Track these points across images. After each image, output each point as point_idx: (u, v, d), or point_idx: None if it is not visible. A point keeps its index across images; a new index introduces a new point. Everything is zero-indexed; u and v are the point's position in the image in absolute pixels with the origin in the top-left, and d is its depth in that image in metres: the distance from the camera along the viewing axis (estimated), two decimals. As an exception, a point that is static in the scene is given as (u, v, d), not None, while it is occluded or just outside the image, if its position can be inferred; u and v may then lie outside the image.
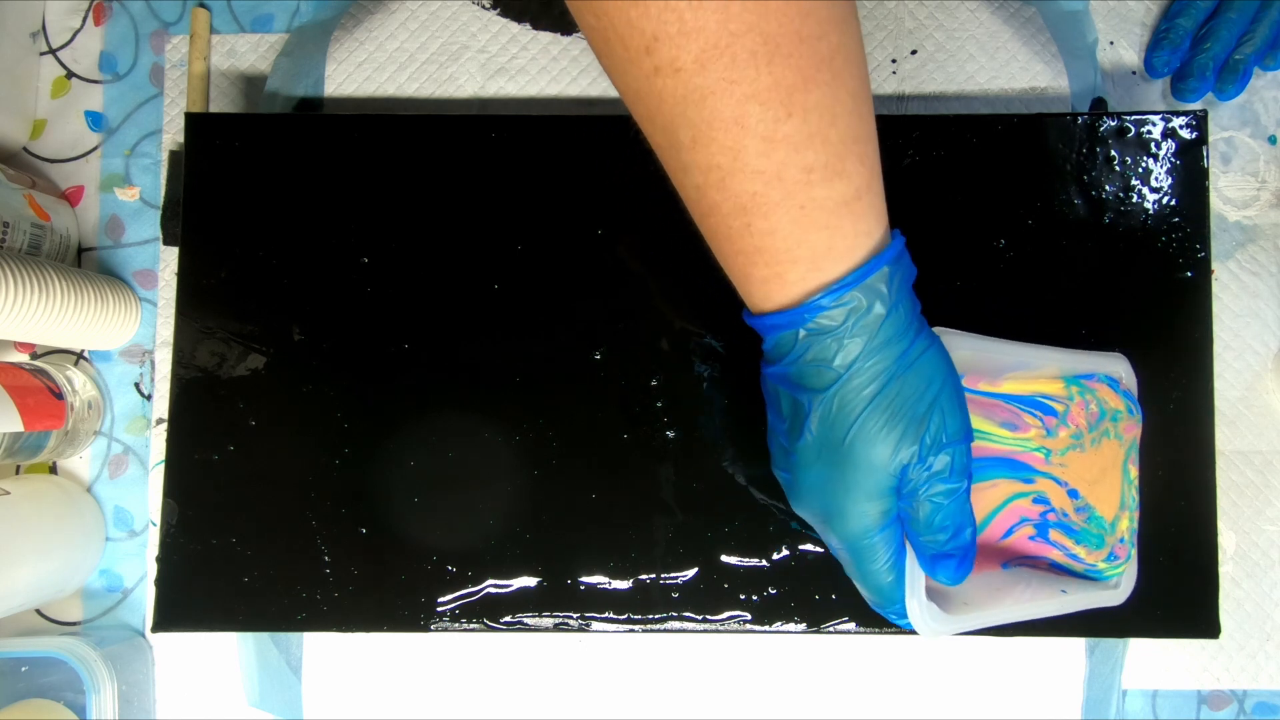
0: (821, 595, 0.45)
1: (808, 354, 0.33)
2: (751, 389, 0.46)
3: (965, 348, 0.38)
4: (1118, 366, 0.43)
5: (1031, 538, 0.42)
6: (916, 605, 0.36)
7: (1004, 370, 0.40)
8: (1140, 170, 0.47)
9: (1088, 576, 0.43)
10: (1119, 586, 0.43)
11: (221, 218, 0.47)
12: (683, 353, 0.47)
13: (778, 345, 0.34)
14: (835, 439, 0.33)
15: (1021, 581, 0.41)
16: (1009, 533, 0.41)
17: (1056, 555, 0.42)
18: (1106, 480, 0.43)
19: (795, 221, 0.31)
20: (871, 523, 0.34)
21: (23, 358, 0.51)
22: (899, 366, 0.33)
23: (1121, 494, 0.43)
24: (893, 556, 0.35)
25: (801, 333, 0.33)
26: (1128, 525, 0.43)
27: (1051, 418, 0.41)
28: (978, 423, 0.40)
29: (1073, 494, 0.42)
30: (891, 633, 0.45)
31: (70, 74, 0.52)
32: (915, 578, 0.36)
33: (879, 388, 0.33)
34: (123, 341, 0.50)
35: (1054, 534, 0.42)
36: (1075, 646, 0.49)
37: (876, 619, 0.45)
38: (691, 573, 0.46)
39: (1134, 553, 0.43)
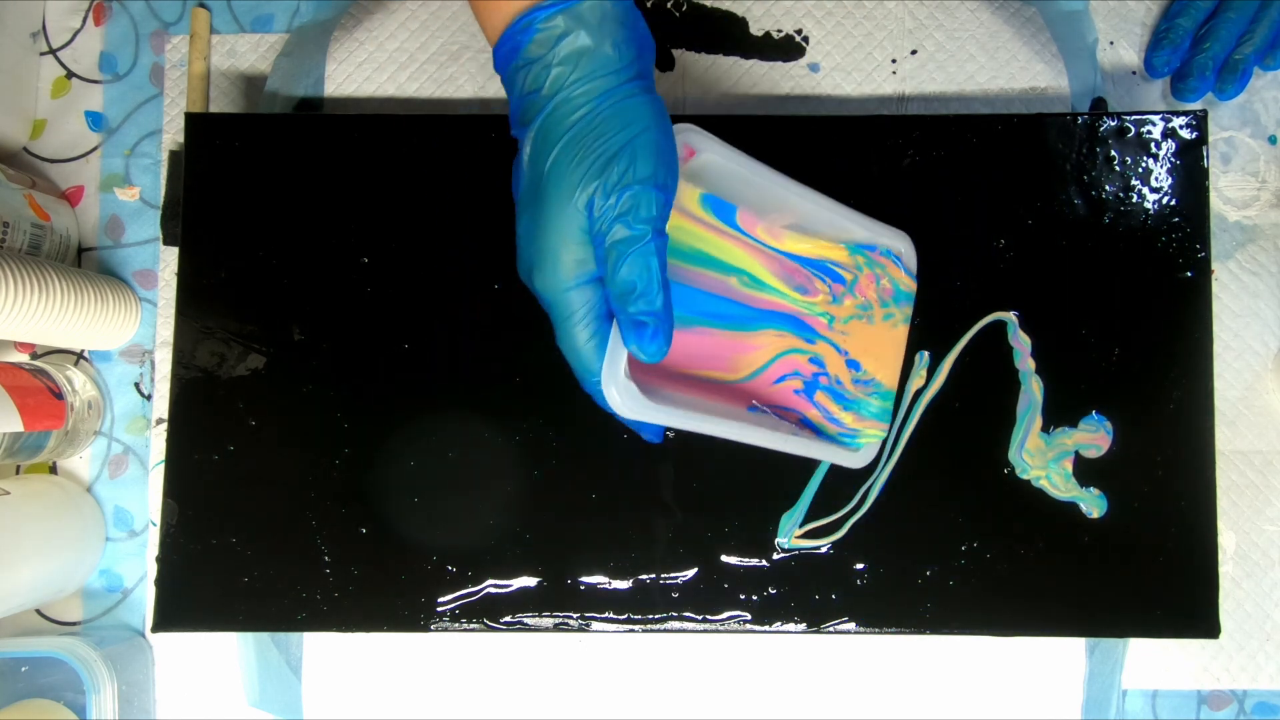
0: (821, 595, 0.45)
1: (525, 83, 0.34)
2: (751, 389, 0.46)
3: (714, 152, 0.38)
4: (899, 242, 0.43)
5: (796, 391, 0.43)
6: (610, 378, 0.35)
7: (770, 208, 0.40)
8: (1140, 170, 0.47)
9: (836, 440, 0.43)
10: (858, 453, 0.43)
11: (221, 218, 0.47)
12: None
13: (508, 81, 0.35)
14: (537, 175, 0.34)
15: (758, 419, 0.41)
16: (777, 381, 0.42)
17: (814, 414, 0.43)
18: (889, 355, 0.44)
19: None
20: (567, 273, 0.34)
21: (23, 358, 0.51)
22: (601, 102, 0.33)
23: (900, 372, 0.44)
24: (593, 320, 0.35)
25: (519, 61, 0.34)
26: (885, 405, 0.44)
27: (839, 285, 0.42)
28: (770, 279, 0.41)
29: (853, 364, 0.43)
30: (891, 632, 0.45)
31: (70, 74, 0.52)
32: (617, 352, 0.35)
33: (577, 119, 0.33)
34: (123, 341, 0.50)
35: (820, 395, 0.43)
36: (1075, 646, 0.49)
37: (876, 619, 0.45)
38: (691, 573, 0.46)
39: (888, 427, 0.44)
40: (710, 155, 0.38)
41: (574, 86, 0.33)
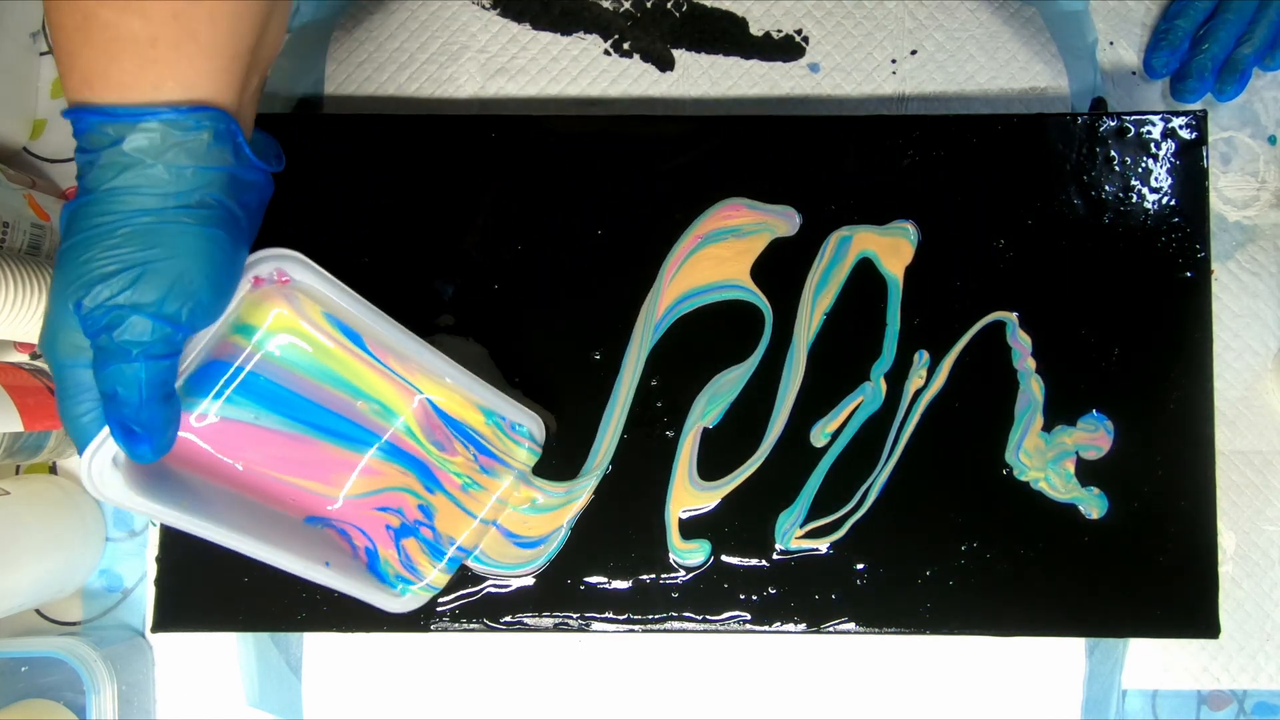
0: (821, 595, 0.45)
1: (78, 161, 0.33)
2: (753, 388, 0.46)
3: (314, 282, 0.37)
4: (525, 419, 0.43)
5: (388, 527, 0.43)
6: (90, 457, 0.34)
7: (393, 348, 0.40)
8: (1140, 170, 0.47)
9: (384, 579, 0.43)
10: (400, 598, 0.43)
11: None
12: (683, 352, 0.47)
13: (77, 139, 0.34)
14: (60, 246, 0.33)
15: (310, 537, 0.41)
16: (379, 509, 0.43)
17: (389, 554, 0.43)
18: (471, 519, 0.44)
19: (79, 30, 0.31)
20: (63, 353, 0.33)
21: (22, 358, 0.51)
22: (133, 217, 0.32)
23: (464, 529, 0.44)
24: (88, 400, 0.34)
25: (78, 140, 0.33)
26: (439, 575, 0.44)
27: (487, 458, 0.43)
28: (410, 422, 0.43)
29: (469, 520, 0.44)
30: (891, 632, 0.45)
31: (70, 74, 0.52)
32: (110, 440, 0.34)
33: (100, 223, 0.32)
34: (123, 341, 0.50)
35: (409, 542, 0.43)
36: (1075, 646, 0.49)
37: (876, 619, 0.45)
38: (691, 573, 0.46)
39: (439, 586, 0.44)
40: (310, 283, 0.37)
41: (114, 193, 0.32)
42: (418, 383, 0.42)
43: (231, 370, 0.40)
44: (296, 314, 0.39)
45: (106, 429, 0.34)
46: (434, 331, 0.47)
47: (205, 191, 0.33)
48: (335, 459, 0.43)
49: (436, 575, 0.43)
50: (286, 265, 0.37)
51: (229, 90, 0.33)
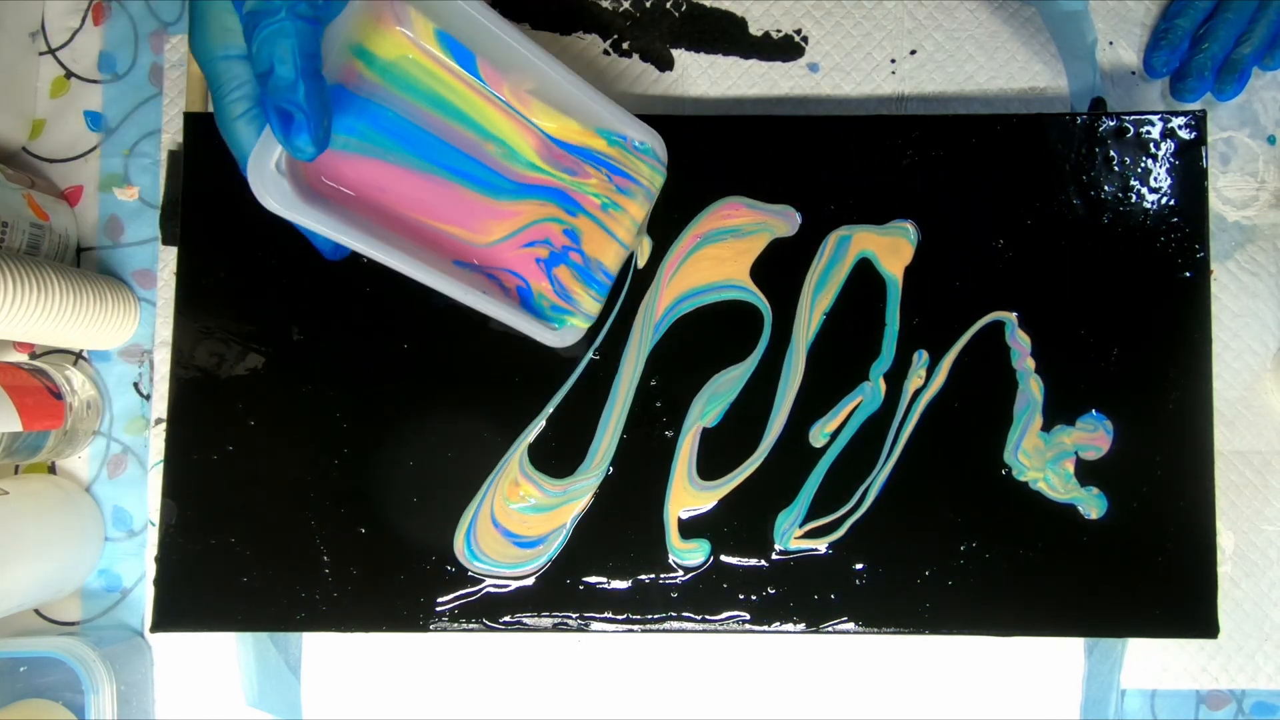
0: (820, 595, 0.45)
1: None
2: (752, 388, 0.46)
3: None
4: (647, 136, 0.43)
5: (539, 260, 0.43)
6: (257, 166, 0.34)
7: (511, 65, 0.40)
8: (1139, 170, 0.47)
9: (541, 315, 0.43)
10: (557, 331, 0.43)
11: (220, 218, 0.47)
12: (682, 352, 0.47)
13: None
14: None
15: (460, 278, 0.41)
16: (526, 245, 0.43)
17: (542, 286, 0.43)
18: (618, 246, 0.44)
19: None
20: (215, 41, 0.33)
21: (22, 357, 0.51)
22: None
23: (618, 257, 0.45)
24: (245, 99, 0.33)
25: None
26: (591, 301, 0.44)
27: (620, 177, 0.43)
28: (535, 159, 0.43)
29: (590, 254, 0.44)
30: (890, 632, 0.45)
31: (69, 74, 0.52)
32: (269, 142, 0.34)
33: None
34: (121, 341, 0.50)
35: (561, 270, 0.43)
36: (1074, 646, 0.49)
37: (876, 619, 0.45)
38: (690, 573, 0.46)
39: (594, 313, 0.45)
40: None
41: None
42: (534, 117, 0.42)
43: (362, 100, 0.39)
44: (410, 39, 0.39)
45: (266, 132, 0.34)
46: (432, 330, 0.47)
47: None
48: (474, 204, 0.42)
49: (589, 302, 0.44)
50: None
51: None
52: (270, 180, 0.35)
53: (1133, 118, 0.47)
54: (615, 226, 0.44)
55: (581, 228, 0.44)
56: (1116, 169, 0.47)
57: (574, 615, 0.46)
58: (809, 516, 0.46)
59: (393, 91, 0.40)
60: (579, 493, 0.46)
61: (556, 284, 0.43)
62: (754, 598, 0.45)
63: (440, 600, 0.45)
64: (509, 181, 0.43)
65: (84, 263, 0.51)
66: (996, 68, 0.51)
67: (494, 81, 0.41)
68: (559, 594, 0.46)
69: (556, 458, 0.46)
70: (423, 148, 0.41)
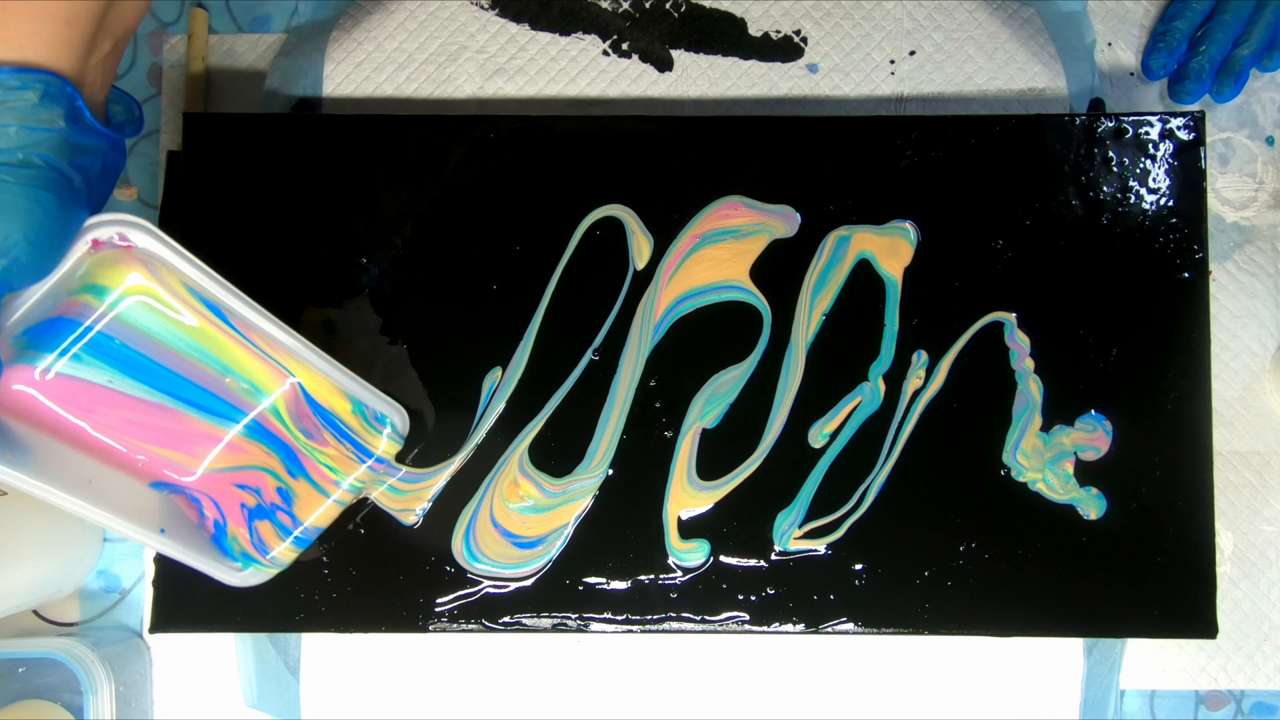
0: (820, 596, 0.45)
1: None
2: (752, 389, 0.46)
3: (160, 250, 0.37)
4: (390, 410, 0.43)
5: (243, 505, 0.43)
6: None
7: (254, 327, 0.40)
8: (1138, 171, 0.47)
9: (228, 553, 0.43)
10: (241, 572, 0.43)
11: (220, 218, 0.47)
12: (681, 352, 0.47)
13: None
14: None
15: (153, 502, 0.41)
16: (237, 486, 0.43)
17: (239, 532, 0.43)
18: (332, 504, 0.44)
19: None
20: None
21: (20, 358, 0.51)
22: None
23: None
24: None
25: None
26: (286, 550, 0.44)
27: (352, 446, 0.43)
28: (281, 408, 0.43)
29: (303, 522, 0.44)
30: (890, 633, 0.45)
31: (68, 74, 0.52)
32: None
33: None
34: (121, 342, 0.50)
35: (263, 525, 0.43)
36: (1073, 647, 0.49)
37: (875, 619, 0.45)
38: (690, 573, 0.46)
39: (287, 562, 0.44)
40: (157, 251, 0.37)
41: None
42: (288, 365, 0.42)
43: (81, 330, 0.39)
44: (155, 281, 0.38)
45: None
46: (432, 330, 0.47)
47: (31, 151, 0.33)
48: (198, 431, 0.42)
49: (284, 551, 0.43)
50: (128, 230, 0.36)
51: (65, 53, 0.33)
52: None
53: (1131, 119, 0.47)
54: (334, 491, 0.44)
55: (299, 491, 0.43)
56: (1115, 170, 0.47)
57: (573, 616, 0.46)
58: (808, 517, 0.46)
59: (123, 324, 0.39)
60: (578, 493, 0.46)
61: (255, 535, 0.43)
62: (753, 598, 0.46)
63: (439, 601, 0.45)
64: (242, 414, 0.43)
65: (83, 263, 0.51)
66: (995, 69, 0.51)
67: (248, 332, 0.40)
68: (558, 594, 0.46)
69: (556, 458, 0.46)
70: (151, 376, 0.41)
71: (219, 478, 0.43)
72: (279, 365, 0.42)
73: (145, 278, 0.38)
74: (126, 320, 0.39)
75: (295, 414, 0.43)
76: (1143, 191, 0.47)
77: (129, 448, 0.41)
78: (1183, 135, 0.47)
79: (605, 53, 0.51)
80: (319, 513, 0.44)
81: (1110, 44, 0.51)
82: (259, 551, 0.43)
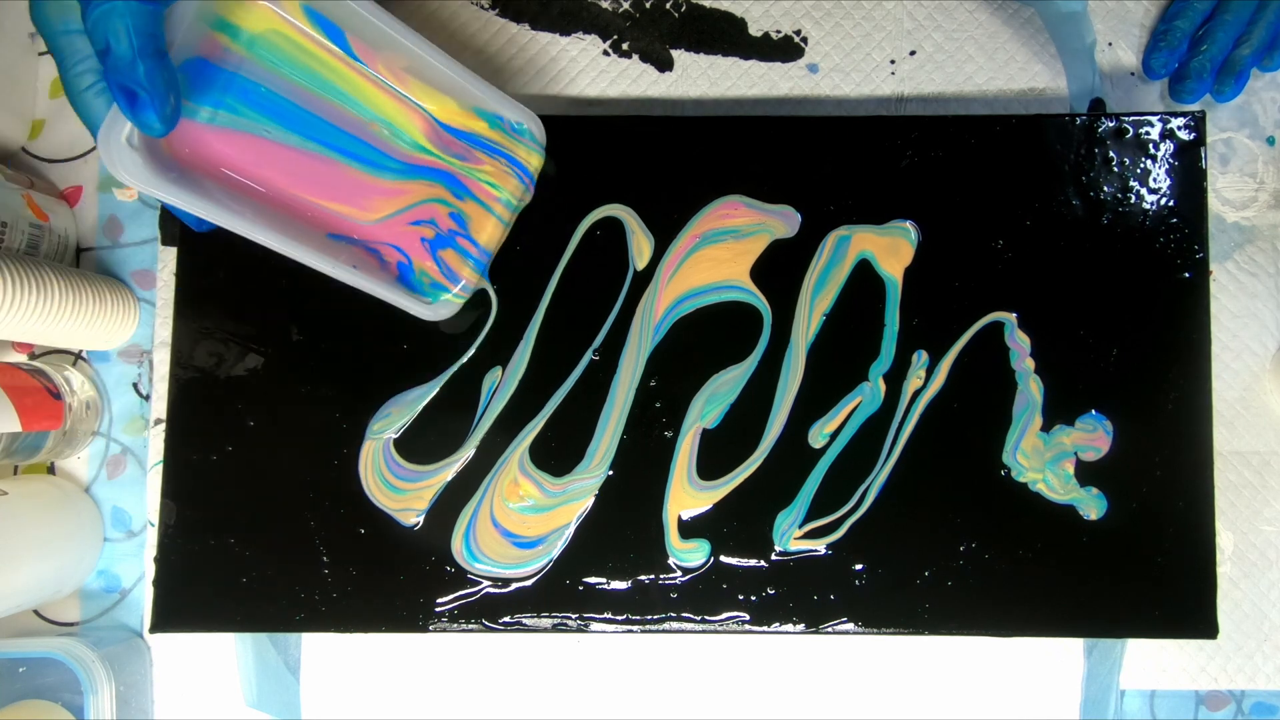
0: (820, 596, 0.45)
1: None
2: (752, 389, 0.46)
3: None
4: (524, 117, 0.44)
5: (424, 240, 0.44)
6: (107, 139, 0.35)
7: (381, 42, 0.40)
8: (1138, 171, 0.47)
9: (419, 290, 0.44)
10: (431, 305, 0.44)
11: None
12: (681, 352, 0.47)
13: None
14: None
15: (334, 251, 0.42)
16: (413, 224, 0.44)
17: (427, 265, 0.44)
18: (500, 223, 0.45)
19: None
20: (55, 16, 0.33)
21: (21, 358, 0.51)
22: None
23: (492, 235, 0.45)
24: (92, 68, 0.34)
25: None
26: (470, 274, 0.45)
27: (503, 159, 0.44)
28: (424, 142, 0.43)
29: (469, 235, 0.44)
30: (890, 633, 0.45)
31: (68, 74, 0.52)
32: (120, 116, 0.35)
33: None
34: (121, 342, 0.50)
35: (447, 252, 0.44)
36: (1073, 647, 0.49)
37: (875, 620, 0.45)
38: (690, 574, 0.46)
39: (470, 291, 0.45)
40: None
41: None
42: (414, 95, 0.42)
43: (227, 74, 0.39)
44: (276, 12, 0.39)
45: (114, 107, 0.34)
46: (431, 330, 0.47)
47: None
48: (359, 181, 0.43)
49: (470, 277, 0.44)
50: None
51: None
52: (120, 154, 0.35)
53: (1132, 119, 0.47)
54: (501, 210, 0.45)
55: (469, 213, 0.44)
56: (1116, 170, 0.47)
57: (573, 616, 0.46)
58: (808, 517, 0.46)
59: (262, 66, 0.40)
60: (578, 493, 0.46)
61: (442, 265, 0.44)
62: (753, 598, 0.45)
63: (440, 601, 0.45)
64: (396, 161, 0.43)
65: (83, 263, 0.51)
66: (996, 69, 0.51)
67: (368, 58, 0.41)
68: (558, 594, 0.46)
69: (556, 458, 0.46)
70: (302, 124, 0.41)
71: (391, 223, 0.43)
72: (406, 98, 0.42)
73: (270, 11, 0.39)
74: (268, 63, 0.39)
75: (440, 143, 0.43)
76: (1143, 191, 0.47)
77: (302, 204, 0.42)
78: (1183, 135, 0.47)
79: (605, 53, 0.51)
80: (488, 232, 0.44)
81: (1111, 44, 0.51)
82: (449, 279, 0.44)
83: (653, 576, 0.46)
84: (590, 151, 0.47)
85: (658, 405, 0.46)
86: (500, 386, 0.46)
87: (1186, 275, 0.47)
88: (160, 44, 0.34)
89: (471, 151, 0.44)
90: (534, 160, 0.45)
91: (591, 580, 0.46)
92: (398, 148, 0.43)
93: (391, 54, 0.41)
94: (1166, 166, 0.47)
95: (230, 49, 0.39)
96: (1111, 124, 0.47)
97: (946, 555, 0.45)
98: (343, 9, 0.39)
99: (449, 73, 0.42)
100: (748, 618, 0.45)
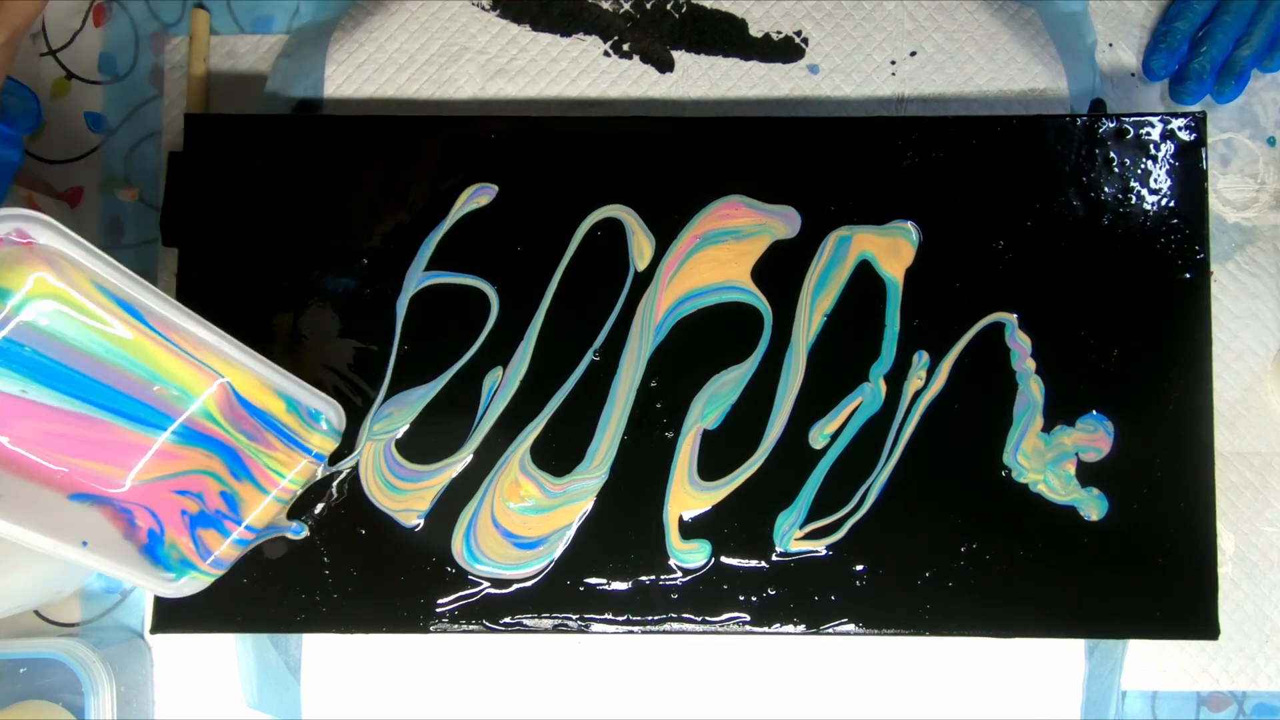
0: (820, 596, 0.45)
1: None
2: (753, 390, 0.46)
3: (63, 247, 0.35)
4: (324, 406, 0.42)
5: (184, 512, 0.41)
6: None
7: (171, 325, 0.38)
8: (1139, 172, 0.47)
9: (163, 563, 0.41)
10: (174, 582, 0.41)
11: (221, 218, 0.47)
12: (682, 353, 0.47)
13: None
14: None
15: (74, 515, 0.39)
16: (177, 493, 0.41)
17: (182, 540, 0.41)
18: (276, 504, 0.43)
19: None
20: None
21: (22, 358, 0.51)
22: None
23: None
24: None
25: None
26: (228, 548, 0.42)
27: (295, 448, 0.42)
28: (215, 412, 0.41)
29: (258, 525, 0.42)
30: (891, 634, 0.45)
31: (70, 75, 0.52)
32: None
33: None
34: (122, 342, 0.50)
35: (206, 532, 0.41)
36: (1075, 648, 0.49)
37: (876, 620, 0.45)
38: (691, 574, 0.46)
39: (228, 563, 0.43)
40: (60, 248, 0.34)
41: None
42: (215, 365, 0.40)
43: None
44: (64, 281, 0.36)
45: None
46: (431, 330, 0.47)
47: None
48: (127, 441, 0.40)
49: (226, 550, 0.42)
50: (29, 226, 0.33)
51: None
52: None
53: (1132, 119, 0.47)
54: (281, 493, 0.43)
55: (243, 495, 0.42)
56: (1116, 170, 0.47)
57: (574, 616, 0.46)
58: (809, 518, 0.46)
59: (32, 330, 0.37)
60: (579, 494, 0.46)
61: (198, 543, 0.42)
62: (754, 599, 0.45)
63: (440, 601, 0.45)
64: (177, 424, 0.41)
65: (84, 264, 0.51)
66: (996, 69, 0.51)
67: (165, 329, 0.38)
68: (559, 595, 0.46)
69: (556, 459, 0.46)
70: (73, 386, 0.38)
71: (154, 486, 0.41)
72: (205, 366, 0.40)
73: (52, 277, 0.35)
74: (36, 325, 0.37)
75: (231, 417, 0.41)
76: (1144, 192, 0.47)
77: (48, 460, 0.39)
78: (1184, 136, 0.47)
79: (606, 53, 0.51)
80: (258, 510, 0.42)
81: (1111, 44, 0.51)
82: (201, 558, 0.41)
83: (653, 577, 0.46)
84: (591, 152, 0.47)
85: (658, 406, 0.46)
86: (501, 387, 0.47)
87: (1187, 276, 0.46)
88: None
89: (262, 432, 0.41)
90: (328, 446, 0.43)
91: (592, 581, 0.46)
92: (182, 411, 0.41)
93: (190, 336, 0.39)
94: (1167, 167, 0.47)
95: None
96: (1112, 125, 0.47)
97: (947, 556, 0.45)
98: (139, 292, 0.37)
99: (255, 365, 0.40)
100: (748, 618, 0.45)
